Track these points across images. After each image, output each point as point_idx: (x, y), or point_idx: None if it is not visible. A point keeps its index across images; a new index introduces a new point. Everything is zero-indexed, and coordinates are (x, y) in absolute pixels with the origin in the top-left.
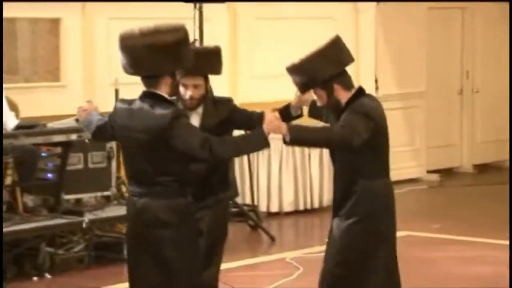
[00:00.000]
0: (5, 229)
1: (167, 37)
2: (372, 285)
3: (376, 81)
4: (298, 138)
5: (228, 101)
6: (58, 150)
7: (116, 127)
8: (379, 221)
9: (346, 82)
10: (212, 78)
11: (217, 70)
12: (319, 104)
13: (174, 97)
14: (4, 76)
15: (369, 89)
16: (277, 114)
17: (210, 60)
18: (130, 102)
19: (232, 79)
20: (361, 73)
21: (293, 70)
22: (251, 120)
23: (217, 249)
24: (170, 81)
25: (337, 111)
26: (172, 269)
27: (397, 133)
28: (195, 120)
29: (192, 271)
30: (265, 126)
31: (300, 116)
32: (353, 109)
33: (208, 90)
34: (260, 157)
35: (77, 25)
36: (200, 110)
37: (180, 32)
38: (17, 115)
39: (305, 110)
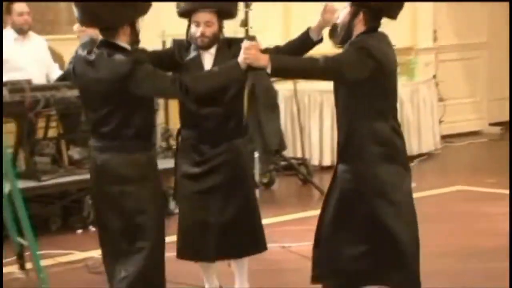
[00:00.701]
0: (49, 182)
1: None
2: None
3: (434, 31)
4: (281, 67)
5: (242, 41)
6: None
7: (76, 75)
8: (383, 169)
9: (372, 21)
10: (265, 30)
11: (230, 9)
12: (335, 20)
13: (135, 46)
14: (64, 26)
15: (427, 40)
16: (256, 43)
17: None
18: (90, 50)
19: (285, 31)
20: (418, 24)
21: None
22: None
23: (244, 200)
24: (129, 30)
25: (343, 40)
26: (136, 225)
27: (458, 85)
28: (207, 60)
29: (157, 227)
30: (241, 56)
31: (320, 41)
32: (354, 44)
33: (221, 31)
34: (311, 111)
35: None
36: (213, 50)
37: None
38: (61, 67)
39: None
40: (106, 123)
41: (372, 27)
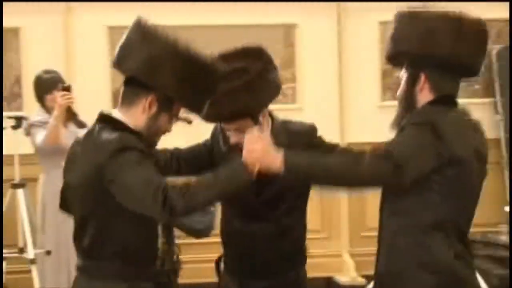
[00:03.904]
0: None
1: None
2: None
3: None
4: (299, 173)
5: (306, 132)
6: None
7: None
8: None
9: (441, 83)
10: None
11: (255, 109)
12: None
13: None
14: None
15: None
16: (265, 134)
17: (243, 93)
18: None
19: None
20: None
21: (396, 18)
22: None
23: None
24: (155, 106)
25: (403, 114)
26: None
27: None
28: None
29: None
30: (245, 155)
31: None
32: (416, 116)
33: (272, 118)
34: None
35: None
36: None
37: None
38: None
39: None
40: (82, 233)
41: (444, 95)
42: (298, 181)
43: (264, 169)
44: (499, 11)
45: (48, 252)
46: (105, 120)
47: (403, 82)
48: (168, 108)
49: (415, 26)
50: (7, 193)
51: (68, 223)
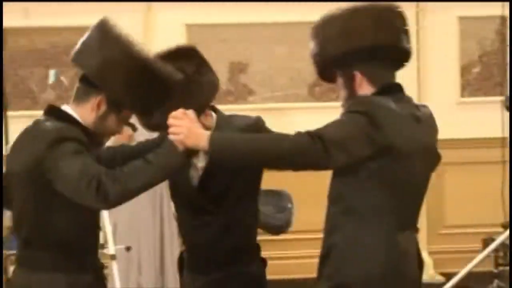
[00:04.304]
0: None
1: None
2: None
3: None
4: (224, 147)
5: (252, 126)
6: None
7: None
8: None
9: (376, 73)
10: None
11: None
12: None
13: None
14: None
15: None
16: (189, 112)
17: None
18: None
19: None
20: None
21: (312, 32)
22: None
23: None
24: (104, 107)
25: None
26: None
27: None
28: (202, 158)
29: None
30: (171, 132)
31: None
32: (355, 105)
33: (217, 113)
34: None
35: None
36: None
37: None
38: None
39: None
40: (21, 223)
41: (386, 85)
42: (224, 157)
43: (192, 146)
44: None
45: (128, 248)
46: (51, 112)
47: (341, 89)
48: (116, 111)
49: (332, 29)
50: None
51: (140, 221)
